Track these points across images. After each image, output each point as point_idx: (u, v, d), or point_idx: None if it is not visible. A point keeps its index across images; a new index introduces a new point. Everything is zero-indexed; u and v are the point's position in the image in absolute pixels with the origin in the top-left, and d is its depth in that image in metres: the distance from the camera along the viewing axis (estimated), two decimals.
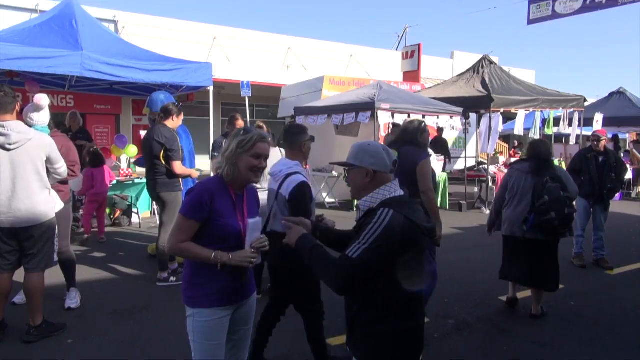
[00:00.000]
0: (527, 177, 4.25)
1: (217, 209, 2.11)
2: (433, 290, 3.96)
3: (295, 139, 3.25)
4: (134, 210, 8.17)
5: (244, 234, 2.19)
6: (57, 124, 5.40)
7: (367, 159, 1.94)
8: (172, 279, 4.94)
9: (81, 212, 7.28)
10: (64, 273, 4.28)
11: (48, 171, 3.61)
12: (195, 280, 2.19)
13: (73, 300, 4.25)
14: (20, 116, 3.79)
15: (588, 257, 6.06)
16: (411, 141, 3.98)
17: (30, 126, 3.88)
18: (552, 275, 4.26)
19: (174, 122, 5.01)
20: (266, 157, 2.22)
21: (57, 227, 3.76)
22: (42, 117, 4.05)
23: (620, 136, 15.92)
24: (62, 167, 3.69)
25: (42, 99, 4.04)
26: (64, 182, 4.11)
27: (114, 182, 7.79)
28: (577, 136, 12.07)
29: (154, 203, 7.01)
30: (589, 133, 11.99)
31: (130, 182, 8.19)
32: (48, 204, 3.61)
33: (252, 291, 2.38)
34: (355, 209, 2.00)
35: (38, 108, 4.02)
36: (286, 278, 3.16)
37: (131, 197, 8.14)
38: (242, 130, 2.22)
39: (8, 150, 3.36)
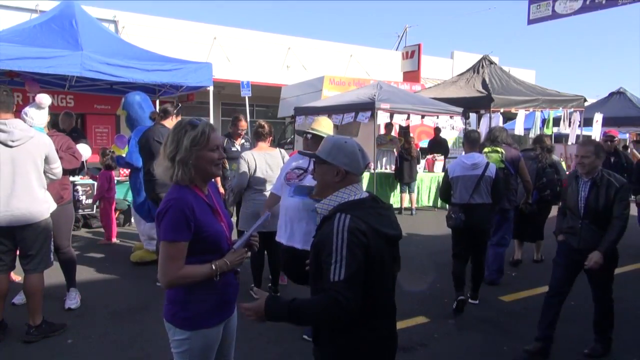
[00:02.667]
0: (531, 162, 5.67)
1: (200, 219, 1.88)
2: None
3: (476, 143, 4.81)
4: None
5: (227, 235, 2.04)
6: (53, 124, 5.41)
7: (341, 157, 1.80)
8: None
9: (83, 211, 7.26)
10: (64, 273, 4.28)
11: (44, 171, 3.59)
12: (191, 297, 1.93)
13: (73, 300, 4.25)
14: (19, 114, 3.78)
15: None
16: (505, 142, 5.36)
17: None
18: (541, 231, 6.06)
19: (173, 123, 5.02)
20: (220, 146, 2.02)
21: (52, 228, 3.73)
22: (41, 117, 4.05)
23: (620, 136, 15.92)
24: (57, 168, 3.67)
25: (44, 97, 4.04)
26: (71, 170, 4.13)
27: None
28: (577, 136, 12.07)
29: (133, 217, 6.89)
30: (589, 133, 12.10)
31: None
32: (44, 204, 3.58)
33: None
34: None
35: (39, 107, 4.02)
36: (486, 238, 4.68)
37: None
38: (186, 124, 1.94)
39: (10, 147, 3.35)
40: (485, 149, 5.15)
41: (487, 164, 4.56)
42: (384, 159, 10.33)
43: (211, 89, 7.61)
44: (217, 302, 1.99)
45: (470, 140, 4.80)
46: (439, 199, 10.26)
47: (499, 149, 5.10)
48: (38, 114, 4.03)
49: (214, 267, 1.89)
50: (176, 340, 1.96)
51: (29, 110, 4.04)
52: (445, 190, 4.71)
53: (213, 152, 1.93)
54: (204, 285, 1.93)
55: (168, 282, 1.88)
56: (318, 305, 1.66)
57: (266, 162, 4.45)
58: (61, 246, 4.11)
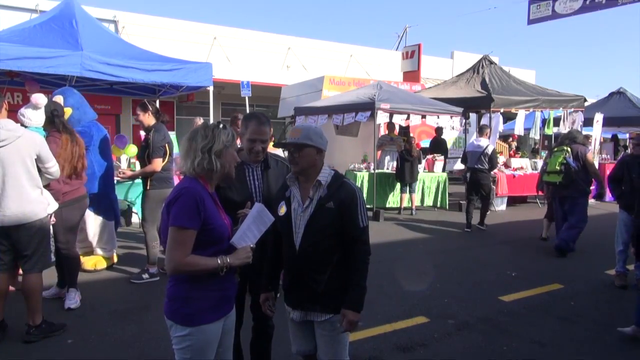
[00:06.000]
0: None
1: (208, 211, 1.95)
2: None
3: (483, 132, 8.14)
4: (134, 210, 8.15)
5: (230, 232, 2.08)
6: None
7: (317, 139, 2.19)
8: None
9: None
10: (65, 271, 4.28)
11: (40, 171, 3.56)
12: (191, 294, 1.96)
13: (73, 300, 4.24)
14: (14, 115, 3.78)
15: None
16: (580, 142, 6.62)
17: (25, 126, 3.87)
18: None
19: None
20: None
21: (49, 227, 3.71)
22: (38, 117, 4.04)
23: (620, 136, 15.92)
24: (53, 167, 3.63)
25: (40, 98, 4.04)
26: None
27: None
28: None
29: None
30: (589, 133, 12.08)
31: (130, 182, 8.16)
32: (39, 204, 3.53)
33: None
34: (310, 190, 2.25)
35: (35, 107, 4.02)
36: (486, 189, 8.19)
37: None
38: (217, 124, 2.07)
39: None
40: (556, 148, 6.66)
41: (487, 145, 7.88)
42: (386, 159, 10.32)
43: (211, 89, 7.60)
44: (217, 299, 2.02)
45: (480, 130, 8.30)
46: (437, 200, 10.28)
47: (565, 147, 6.49)
48: (35, 114, 4.02)
49: (219, 262, 1.93)
50: (177, 336, 1.99)
51: (25, 111, 4.03)
52: (463, 157, 8.36)
53: (236, 152, 2.11)
54: (204, 281, 1.96)
55: (174, 268, 1.92)
56: (365, 264, 2.22)
57: None
58: (65, 242, 4.12)
